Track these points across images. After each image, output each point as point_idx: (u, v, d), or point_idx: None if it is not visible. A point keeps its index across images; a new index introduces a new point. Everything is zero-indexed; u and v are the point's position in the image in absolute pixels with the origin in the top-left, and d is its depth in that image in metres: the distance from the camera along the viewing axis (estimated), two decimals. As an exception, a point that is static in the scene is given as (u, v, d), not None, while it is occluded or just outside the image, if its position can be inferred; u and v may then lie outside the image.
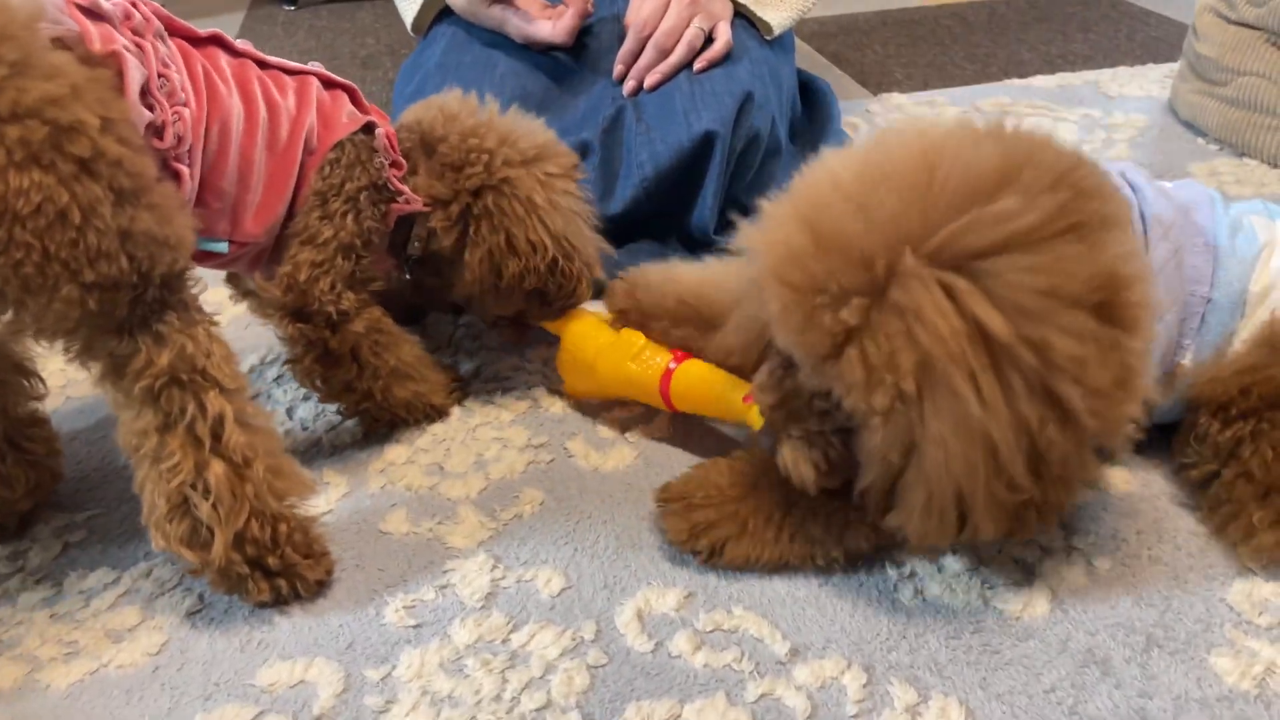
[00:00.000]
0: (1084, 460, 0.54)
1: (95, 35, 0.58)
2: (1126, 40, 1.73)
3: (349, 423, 0.83)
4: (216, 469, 0.60)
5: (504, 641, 0.63)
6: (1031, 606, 0.64)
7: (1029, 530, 0.56)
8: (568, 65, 1.04)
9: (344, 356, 0.76)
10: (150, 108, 0.61)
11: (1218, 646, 0.61)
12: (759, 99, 1.00)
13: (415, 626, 0.64)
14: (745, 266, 0.60)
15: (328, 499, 0.75)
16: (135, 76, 0.59)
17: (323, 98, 0.74)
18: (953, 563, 0.68)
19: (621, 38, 1.03)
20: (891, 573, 0.67)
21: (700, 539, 0.67)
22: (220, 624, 0.65)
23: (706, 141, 0.97)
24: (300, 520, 0.66)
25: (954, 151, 0.53)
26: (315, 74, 0.75)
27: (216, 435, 0.60)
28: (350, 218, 0.74)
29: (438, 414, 0.83)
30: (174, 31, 0.66)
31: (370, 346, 0.76)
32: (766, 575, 0.67)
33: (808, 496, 0.64)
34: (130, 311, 0.58)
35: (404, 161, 0.78)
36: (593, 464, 0.78)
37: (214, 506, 0.60)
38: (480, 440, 0.81)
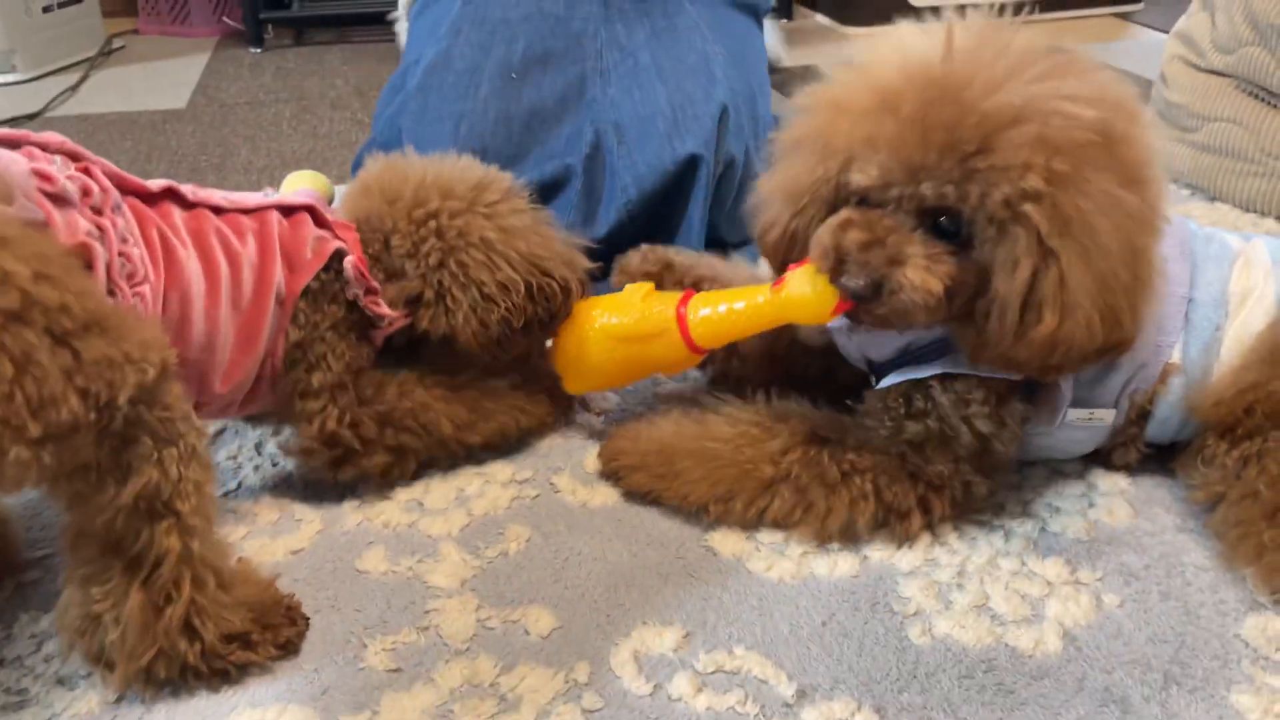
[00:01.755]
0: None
1: (61, 225, 0.55)
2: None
3: (322, 458, 0.79)
4: (135, 601, 0.55)
5: (492, 685, 0.59)
6: (1043, 644, 0.62)
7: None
8: (550, 86, 1.02)
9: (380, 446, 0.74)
10: (112, 293, 0.57)
11: (1237, 684, 0.59)
12: (732, 114, 1.00)
13: (396, 670, 0.60)
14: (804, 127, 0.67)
15: (300, 536, 0.71)
16: (101, 264, 0.56)
17: (284, 231, 0.70)
18: (960, 598, 0.65)
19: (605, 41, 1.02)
20: (897, 609, 0.64)
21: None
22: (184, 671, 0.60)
23: (690, 164, 0.96)
24: (234, 619, 0.59)
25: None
26: (274, 205, 0.70)
27: (155, 566, 0.55)
28: (334, 356, 0.71)
29: (542, 424, 0.82)
30: (126, 190, 0.62)
31: (407, 417, 0.74)
32: (767, 613, 0.64)
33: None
34: (97, 449, 0.52)
35: (376, 285, 0.74)
36: (580, 499, 0.75)
37: (121, 637, 0.55)
38: (461, 475, 0.77)
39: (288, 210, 0.71)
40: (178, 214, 0.65)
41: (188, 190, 0.67)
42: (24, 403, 0.45)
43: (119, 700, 0.58)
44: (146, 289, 0.60)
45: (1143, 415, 0.72)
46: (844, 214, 0.64)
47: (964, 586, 0.66)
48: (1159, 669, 0.60)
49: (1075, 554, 0.69)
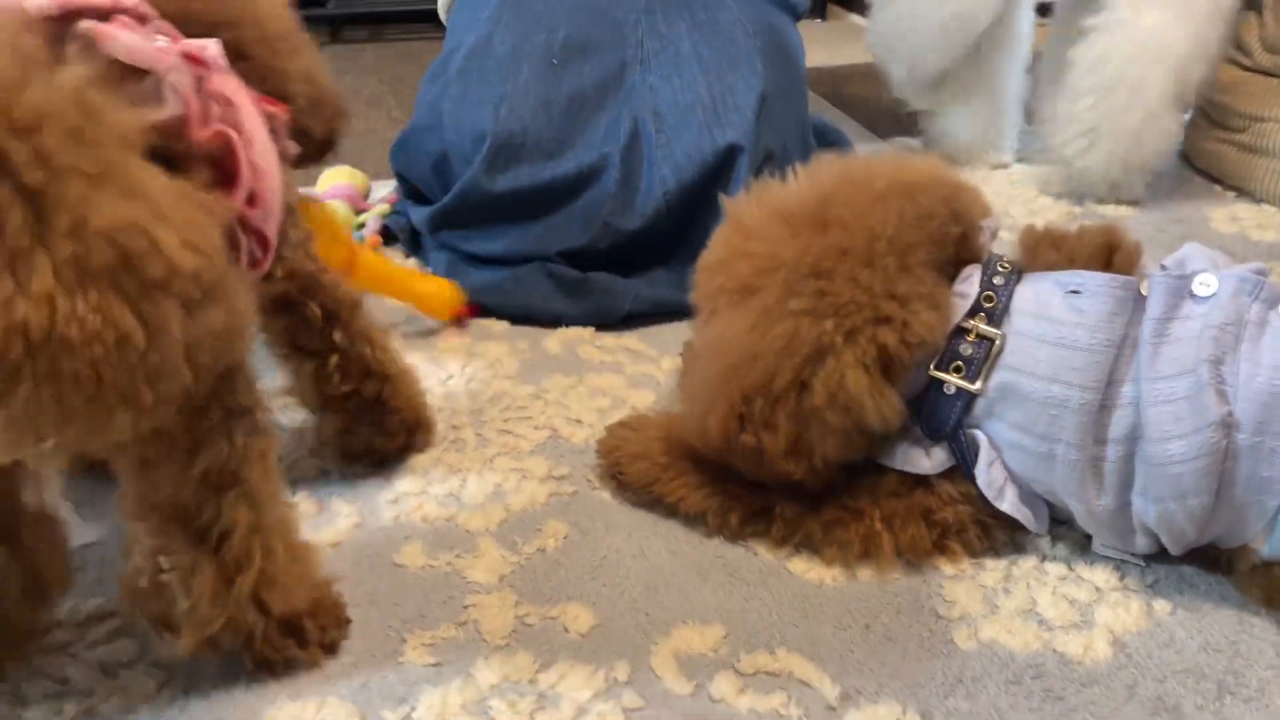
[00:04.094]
0: None
1: (198, 117, 0.51)
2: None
3: (360, 452, 0.79)
4: (207, 572, 0.54)
5: (531, 681, 0.59)
6: (1093, 650, 0.61)
7: None
8: (591, 74, 1.01)
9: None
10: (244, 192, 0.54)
11: (1294, 694, 0.58)
12: (771, 107, 1.00)
13: (435, 665, 0.60)
14: None
15: (338, 530, 0.71)
16: (242, 157, 0.53)
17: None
18: (1007, 603, 0.64)
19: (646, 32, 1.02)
20: (942, 613, 0.63)
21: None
22: (225, 661, 0.60)
23: (729, 154, 0.96)
24: (299, 596, 0.59)
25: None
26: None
27: (225, 537, 0.55)
28: None
29: None
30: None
31: None
32: (809, 614, 0.63)
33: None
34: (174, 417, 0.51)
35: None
36: (617, 496, 0.74)
37: (192, 608, 0.55)
38: (498, 470, 0.77)
39: None
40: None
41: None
42: (145, 372, 0.44)
43: (160, 688, 0.58)
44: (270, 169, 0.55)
45: None
46: None
47: (1010, 591, 0.65)
48: (1213, 678, 0.59)
49: (1123, 560, 0.67)
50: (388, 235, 1.14)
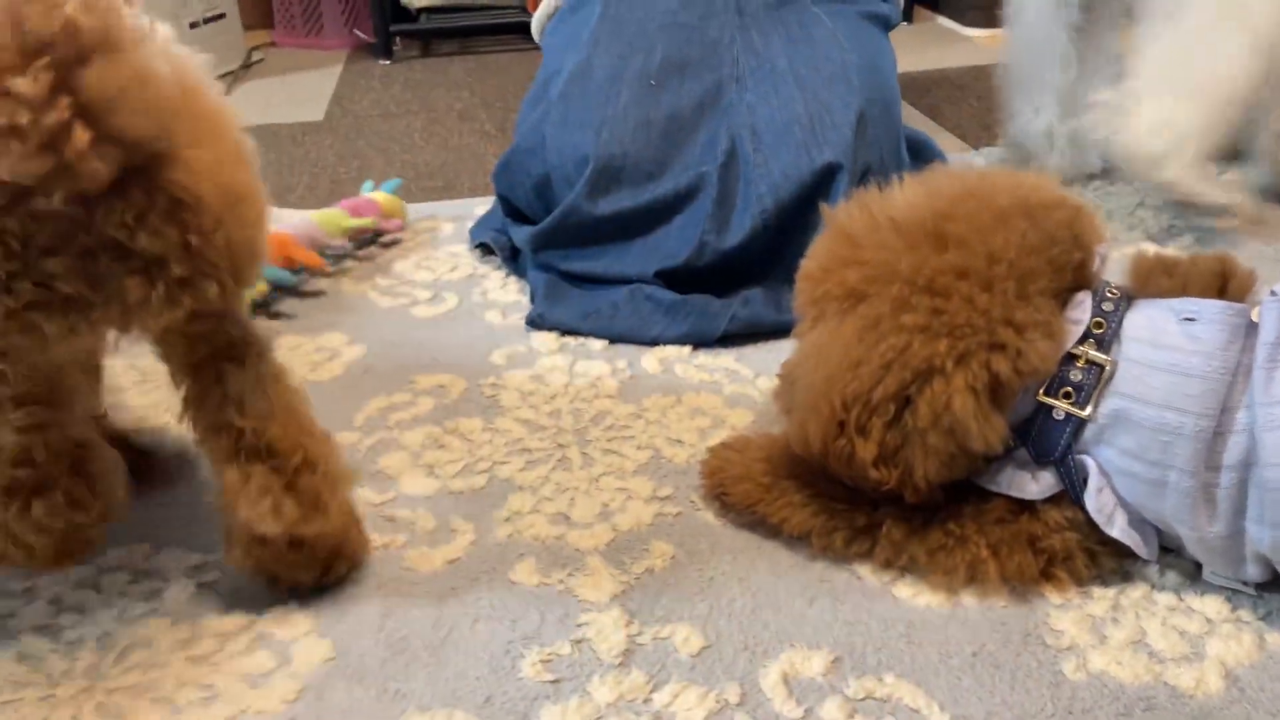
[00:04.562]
0: None
1: None
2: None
3: (475, 469, 0.82)
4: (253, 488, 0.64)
5: (645, 701, 0.61)
6: (1205, 684, 0.61)
7: None
8: (689, 94, 1.03)
9: None
10: None
11: None
12: (869, 124, 1.01)
13: (554, 682, 0.63)
14: None
15: (456, 546, 0.74)
16: None
17: None
18: (1116, 633, 0.64)
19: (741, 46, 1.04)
20: (1050, 642, 0.64)
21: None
22: (356, 672, 0.64)
23: (828, 173, 0.97)
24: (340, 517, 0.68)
25: None
26: None
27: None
28: None
29: None
30: None
31: None
32: (915, 641, 0.64)
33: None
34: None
35: None
36: (721, 518, 0.76)
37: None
38: (604, 490, 0.80)
39: None
40: None
41: None
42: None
43: (296, 698, 0.62)
44: None
45: None
46: None
47: (1119, 621, 0.65)
48: (1330, 716, 0.58)
49: (1235, 591, 0.67)
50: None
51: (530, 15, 1.29)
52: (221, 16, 2.06)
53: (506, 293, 1.11)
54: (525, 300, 1.08)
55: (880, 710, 0.60)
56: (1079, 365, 0.66)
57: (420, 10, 2.17)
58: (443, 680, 0.63)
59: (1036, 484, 0.67)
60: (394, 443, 0.87)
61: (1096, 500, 0.66)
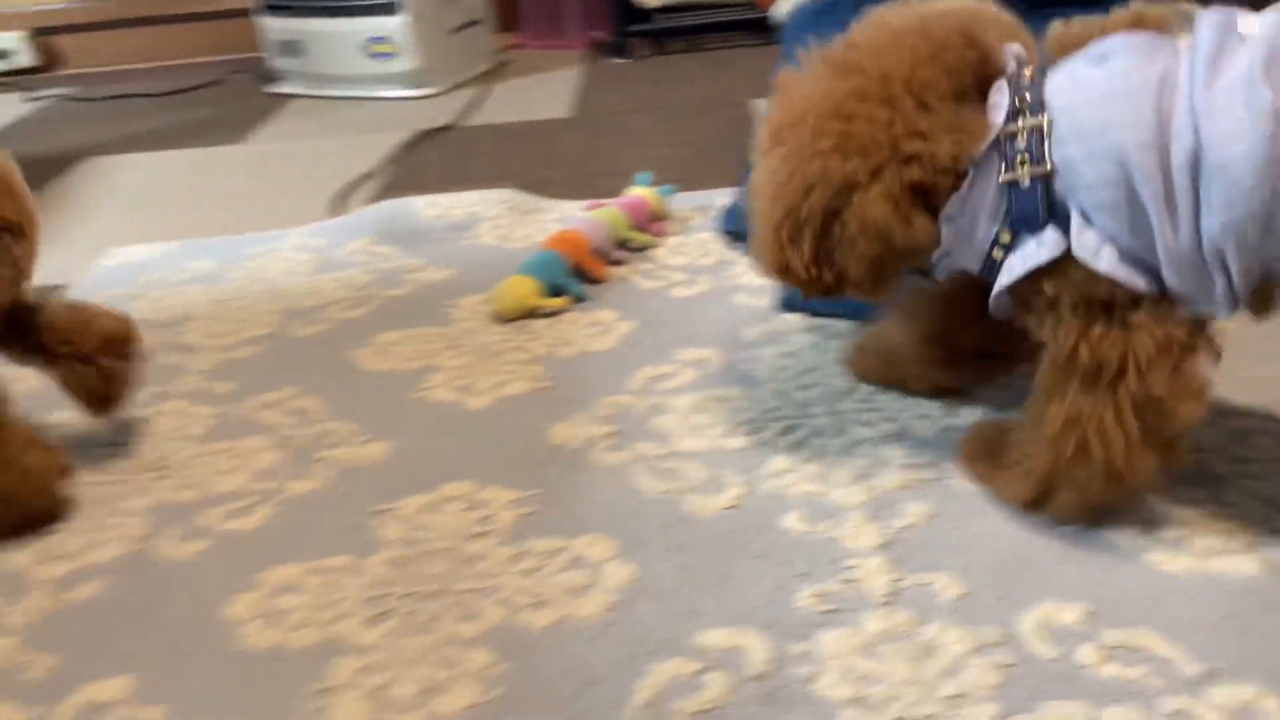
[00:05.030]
0: None
1: None
2: None
3: (737, 433, 0.93)
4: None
5: (911, 634, 0.70)
6: None
7: None
8: None
9: None
10: None
11: None
12: None
13: (828, 612, 0.72)
14: None
15: (729, 496, 0.85)
16: None
17: None
18: (1373, 608, 0.67)
19: None
20: (1305, 610, 0.68)
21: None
22: (657, 593, 0.76)
23: None
24: None
25: None
26: None
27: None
28: None
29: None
30: None
31: None
32: (1166, 603, 0.70)
33: None
34: None
35: None
36: (965, 487, 0.83)
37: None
38: (859, 456, 0.88)
39: None
40: None
41: None
42: None
43: (611, 609, 0.75)
44: None
45: None
46: None
47: (1376, 598, 0.68)
48: None
49: None
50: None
51: (760, 12, 1.36)
52: (478, 22, 2.27)
53: (754, 277, 1.21)
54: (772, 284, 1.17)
55: (1133, 658, 0.66)
56: (1021, 135, 0.70)
57: (653, 10, 2.31)
58: (729, 605, 0.74)
59: (1042, 247, 0.70)
60: (664, 406, 0.98)
61: (1079, 240, 0.69)
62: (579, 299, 1.19)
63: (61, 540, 0.87)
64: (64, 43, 2.71)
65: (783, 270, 0.79)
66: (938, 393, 0.94)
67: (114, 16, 2.65)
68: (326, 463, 0.94)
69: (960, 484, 0.84)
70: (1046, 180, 0.69)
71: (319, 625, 0.75)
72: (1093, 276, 0.69)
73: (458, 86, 2.20)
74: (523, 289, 1.17)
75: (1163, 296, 0.69)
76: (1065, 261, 0.70)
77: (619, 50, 2.27)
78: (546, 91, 2.13)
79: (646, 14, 2.31)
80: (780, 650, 0.70)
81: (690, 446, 0.92)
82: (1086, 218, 0.69)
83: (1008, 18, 0.76)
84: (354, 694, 0.69)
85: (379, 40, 2.10)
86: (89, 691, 0.71)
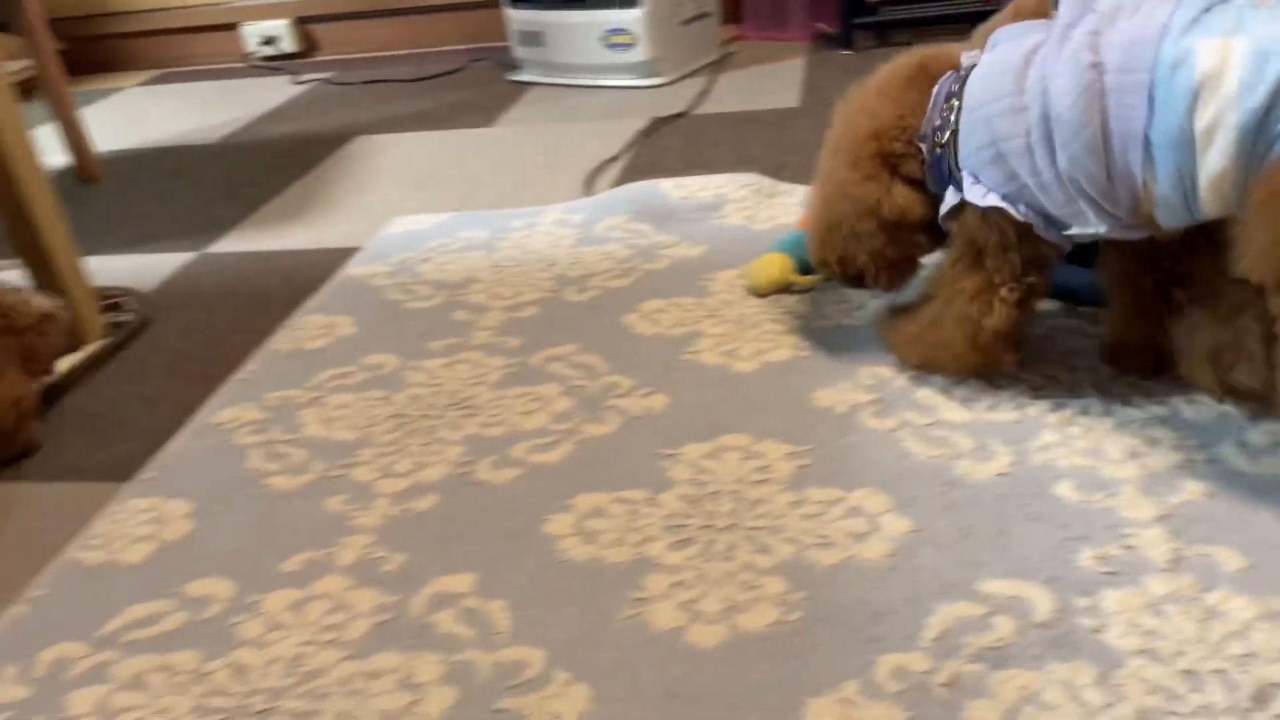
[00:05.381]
0: None
1: None
2: None
3: (1000, 408, 0.97)
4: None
5: (1196, 598, 0.73)
6: None
7: None
8: None
9: None
10: None
11: None
12: None
13: (1111, 574, 0.77)
14: None
15: (999, 464, 0.90)
16: None
17: None
18: None
19: None
20: None
21: None
22: (935, 544, 0.82)
23: None
24: None
25: None
26: None
27: None
28: None
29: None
30: None
31: None
32: None
33: None
34: None
35: None
36: (1241, 468, 0.85)
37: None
38: (1130, 433, 0.92)
39: None
40: None
41: None
42: None
43: (891, 554, 0.81)
44: None
45: None
46: None
47: None
48: None
49: None
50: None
51: (985, 5, 1.38)
52: (707, 15, 2.36)
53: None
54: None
55: None
56: (946, 117, 0.93)
57: (878, 3, 2.34)
58: (1009, 559, 0.79)
59: (952, 198, 0.93)
60: (925, 378, 1.04)
61: (971, 191, 0.90)
62: (829, 277, 1.26)
63: (393, 461, 1.01)
64: (320, 30, 2.98)
65: (823, 264, 1.06)
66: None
67: (368, 7, 2.90)
68: (615, 410, 1.05)
69: (1237, 466, 0.86)
70: (945, 149, 0.93)
71: (629, 545, 0.86)
72: (979, 216, 0.91)
73: (685, 76, 2.30)
74: (777, 266, 1.25)
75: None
76: (962, 206, 0.92)
77: (844, 42, 2.32)
78: (772, 82, 2.20)
79: (872, 7, 2.34)
80: (1065, 602, 0.75)
81: (955, 418, 0.98)
82: (975, 174, 0.90)
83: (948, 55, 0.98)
84: (667, 604, 0.79)
85: (618, 32, 2.22)
86: (439, 583, 0.84)
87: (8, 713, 0.76)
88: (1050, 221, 0.88)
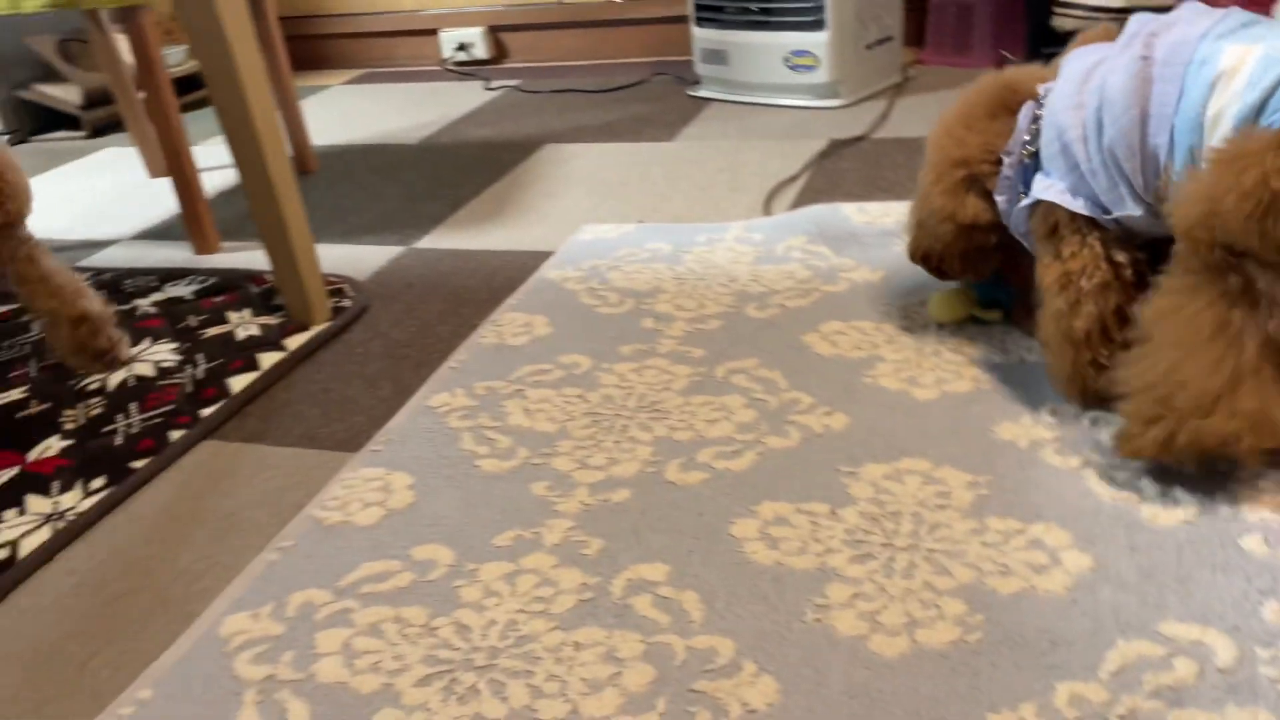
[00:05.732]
0: None
1: None
2: None
3: (1190, 454, 0.98)
4: None
5: (1388, 664, 0.74)
6: None
7: None
8: None
9: None
10: None
11: None
12: None
13: (1298, 629, 0.78)
14: None
15: (1184, 512, 0.92)
16: None
17: None
18: None
19: None
20: None
21: None
22: (1117, 583, 0.84)
23: None
24: None
25: None
26: None
27: None
28: None
29: None
30: None
31: None
32: None
33: None
34: None
35: None
36: None
37: None
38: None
39: None
40: None
41: None
42: None
43: (1070, 589, 0.84)
44: None
45: None
46: None
47: None
48: None
49: None
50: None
51: None
52: (891, 39, 2.39)
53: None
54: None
55: None
56: (1035, 131, 1.06)
57: (1070, 33, 2.31)
58: (1192, 605, 0.81)
59: (1029, 196, 1.06)
60: (1106, 419, 1.05)
61: (1039, 186, 1.03)
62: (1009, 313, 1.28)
63: (589, 454, 1.10)
64: (510, 38, 3.15)
65: (913, 257, 1.25)
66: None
67: (559, 19, 3.05)
68: (796, 425, 1.11)
69: None
70: (1034, 157, 1.06)
71: (812, 554, 0.92)
72: (1050, 206, 1.02)
73: (865, 99, 2.33)
74: (960, 297, 1.28)
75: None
76: (1039, 203, 1.04)
77: (1029, 72, 2.30)
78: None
79: (1063, 37, 2.31)
80: (1247, 651, 0.76)
81: (1139, 463, 0.99)
82: (1049, 174, 1.03)
83: (1048, 70, 1.11)
84: (849, 613, 0.85)
85: (801, 54, 2.28)
86: (635, 570, 0.92)
87: (266, 644, 0.88)
88: (1099, 208, 0.99)
